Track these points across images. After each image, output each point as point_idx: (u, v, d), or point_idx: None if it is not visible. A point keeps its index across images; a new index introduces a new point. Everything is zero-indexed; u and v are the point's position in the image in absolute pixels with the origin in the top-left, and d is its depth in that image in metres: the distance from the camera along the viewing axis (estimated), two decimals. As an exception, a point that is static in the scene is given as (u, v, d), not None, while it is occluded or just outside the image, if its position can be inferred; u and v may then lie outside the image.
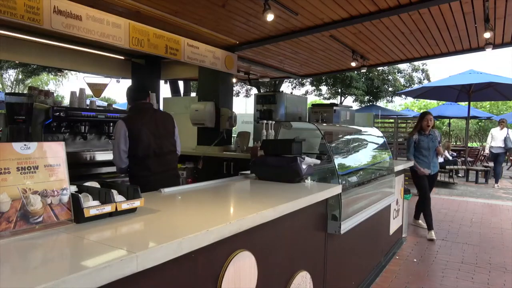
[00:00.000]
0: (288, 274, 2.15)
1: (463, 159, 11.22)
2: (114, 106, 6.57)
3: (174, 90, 12.73)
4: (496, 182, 10.02)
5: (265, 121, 5.24)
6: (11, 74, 20.60)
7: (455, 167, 10.50)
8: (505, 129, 10.24)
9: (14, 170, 1.27)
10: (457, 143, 21.99)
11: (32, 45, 5.80)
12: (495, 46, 6.21)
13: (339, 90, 18.54)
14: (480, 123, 21.14)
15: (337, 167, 2.90)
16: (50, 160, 1.38)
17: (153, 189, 2.42)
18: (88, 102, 3.96)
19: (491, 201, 7.74)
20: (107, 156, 3.85)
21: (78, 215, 1.40)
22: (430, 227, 5.07)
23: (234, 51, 6.27)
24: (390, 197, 3.98)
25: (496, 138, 10.23)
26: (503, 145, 10.01)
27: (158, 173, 3.01)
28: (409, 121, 10.32)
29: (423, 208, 5.24)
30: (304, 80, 17.80)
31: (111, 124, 3.82)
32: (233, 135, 7.12)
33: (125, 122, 2.91)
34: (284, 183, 2.63)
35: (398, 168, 4.41)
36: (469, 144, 17.00)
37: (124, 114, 3.98)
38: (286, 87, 18.60)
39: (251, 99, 14.09)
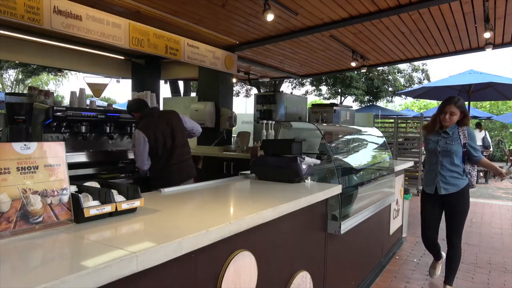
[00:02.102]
0: (288, 274, 2.15)
1: (463, 159, 11.23)
2: (114, 106, 6.57)
3: (174, 90, 12.73)
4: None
5: (265, 121, 5.24)
6: (11, 74, 20.59)
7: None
8: (483, 131, 12.62)
9: (14, 170, 1.27)
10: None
11: (32, 45, 5.80)
12: (495, 46, 6.21)
13: (339, 90, 18.53)
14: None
15: (337, 167, 2.90)
16: (50, 160, 1.38)
17: (173, 177, 3.30)
18: (88, 102, 3.95)
19: (491, 201, 7.75)
20: (107, 155, 3.85)
21: (78, 215, 1.40)
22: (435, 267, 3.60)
23: (234, 51, 6.27)
24: (390, 197, 3.98)
25: (477, 138, 11.75)
26: (481, 144, 12.05)
27: (176, 164, 3.46)
28: (409, 121, 10.32)
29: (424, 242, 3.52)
30: (304, 80, 17.80)
31: (112, 124, 3.82)
32: (233, 135, 7.12)
33: (142, 130, 3.31)
34: (284, 183, 2.63)
35: (398, 168, 4.41)
36: (469, 144, 16.96)
37: (123, 115, 3.98)
38: (286, 87, 18.60)
39: (251, 99, 14.09)
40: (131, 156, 3.97)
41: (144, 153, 3.31)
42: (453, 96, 3.16)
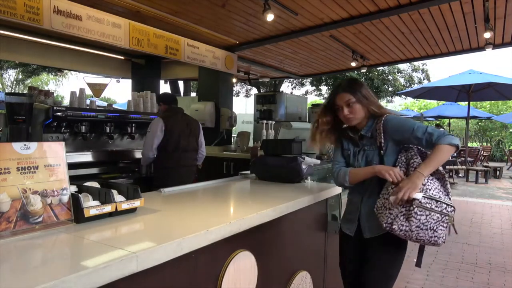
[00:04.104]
0: (288, 274, 2.15)
1: (463, 159, 11.23)
2: (114, 106, 6.57)
3: (174, 90, 12.72)
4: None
5: (265, 121, 5.24)
6: (11, 74, 20.58)
7: (455, 167, 10.51)
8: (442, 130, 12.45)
9: (14, 170, 1.27)
10: (457, 143, 21.95)
11: (32, 45, 5.81)
12: (495, 46, 6.21)
13: (339, 90, 18.48)
14: (480, 123, 21.11)
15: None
16: (50, 160, 1.38)
17: (175, 180, 3.18)
18: (88, 102, 3.95)
19: (491, 201, 7.74)
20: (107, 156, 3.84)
21: (78, 215, 1.40)
22: None
23: (234, 51, 6.27)
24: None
25: None
26: None
27: (182, 167, 3.55)
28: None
29: None
30: (304, 80, 17.80)
31: (112, 124, 3.82)
32: (233, 135, 7.12)
33: (163, 119, 3.46)
34: (284, 183, 2.63)
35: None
36: (469, 144, 16.99)
37: (123, 115, 3.98)
38: (286, 87, 18.59)
39: (251, 99, 14.09)
40: (131, 156, 3.98)
41: (155, 140, 3.39)
42: (338, 82, 1.91)
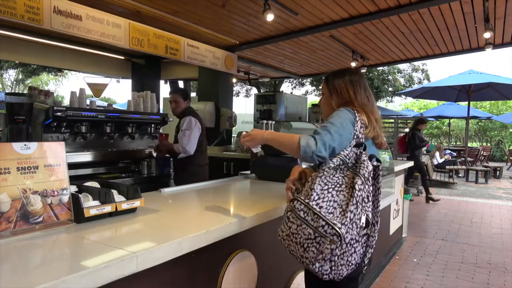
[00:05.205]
0: (288, 274, 2.15)
1: (463, 159, 11.23)
2: (114, 106, 6.57)
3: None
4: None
5: (265, 121, 5.24)
6: (11, 74, 20.58)
7: (455, 167, 10.52)
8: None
9: (14, 170, 1.27)
10: (457, 143, 22.02)
11: (32, 45, 5.81)
12: (495, 46, 6.21)
13: (339, 90, 18.45)
14: (480, 123, 21.12)
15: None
16: (50, 160, 1.38)
17: (205, 177, 3.56)
18: (88, 102, 3.95)
19: (491, 201, 7.74)
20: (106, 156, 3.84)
21: (78, 215, 1.40)
22: None
23: (234, 51, 6.27)
24: (390, 197, 3.97)
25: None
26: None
27: (206, 165, 3.84)
28: (409, 121, 10.32)
29: None
30: (304, 80, 17.80)
31: (112, 124, 3.81)
32: (233, 135, 7.12)
33: (197, 119, 3.69)
34: (284, 183, 2.63)
35: (398, 168, 4.41)
36: (469, 144, 17.00)
37: (123, 115, 3.97)
38: (286, 87, 18.59)
39: (251, 99, 14.08)
40: (131, 156, 3.98)
41: (196, 137, 3.64)
42: None
